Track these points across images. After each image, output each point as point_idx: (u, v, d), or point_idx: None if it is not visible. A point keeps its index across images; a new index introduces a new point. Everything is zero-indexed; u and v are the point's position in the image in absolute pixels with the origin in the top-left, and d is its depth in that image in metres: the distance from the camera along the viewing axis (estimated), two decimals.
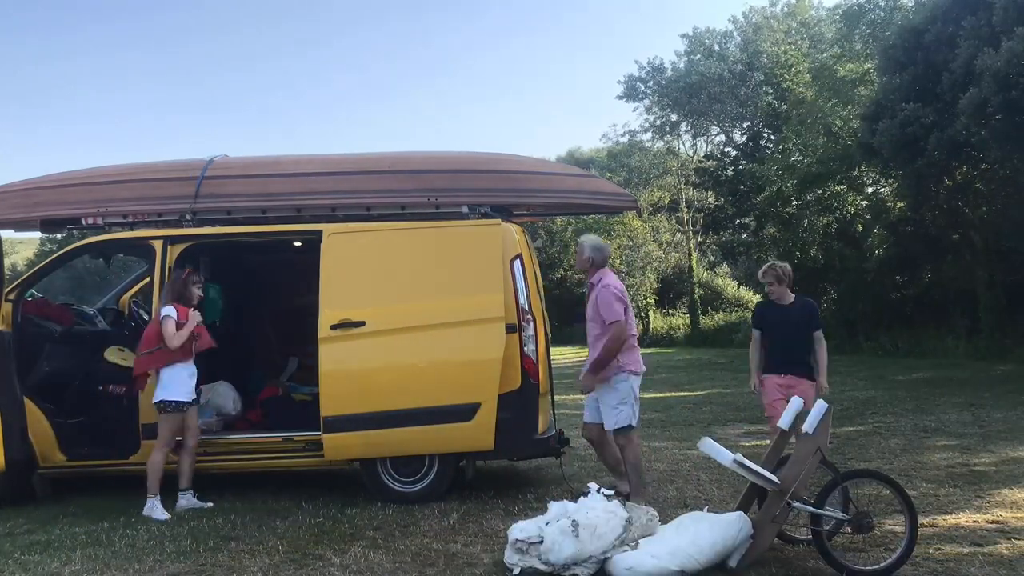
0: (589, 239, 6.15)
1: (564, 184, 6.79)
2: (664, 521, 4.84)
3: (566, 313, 36.58)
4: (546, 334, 6.63)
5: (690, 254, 33.51)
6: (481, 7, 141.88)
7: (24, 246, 38.49)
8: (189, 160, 7.00)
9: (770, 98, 26.15)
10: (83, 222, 6.73)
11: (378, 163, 6.76)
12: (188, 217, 6.52)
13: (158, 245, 6.38)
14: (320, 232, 6.22)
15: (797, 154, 23.19)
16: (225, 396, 6.83)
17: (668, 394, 13.48)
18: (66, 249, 6.97)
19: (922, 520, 5.18)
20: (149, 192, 6.64)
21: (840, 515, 4.50)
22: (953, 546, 4.69)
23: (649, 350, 27.93)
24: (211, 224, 6.49)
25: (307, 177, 6.64)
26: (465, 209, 6.36)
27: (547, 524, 4.48)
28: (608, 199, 6.96)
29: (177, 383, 5.91)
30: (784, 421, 4.82)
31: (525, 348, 5.96)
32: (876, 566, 4.36)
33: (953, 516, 5.33)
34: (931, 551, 4.61)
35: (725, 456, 4.42)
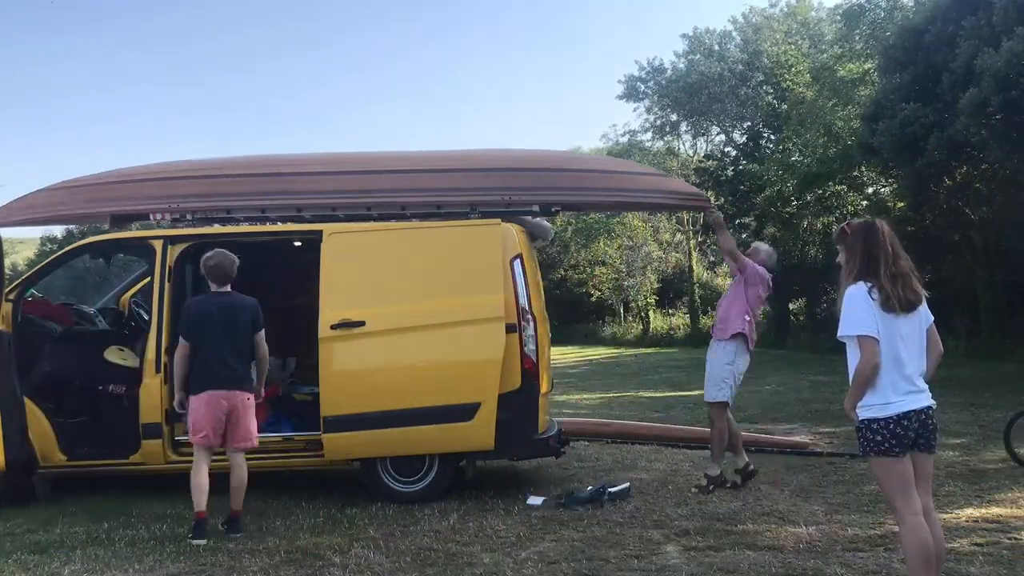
0: (766, 248, 6.60)
1: (639, 183, 6.73)
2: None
3: (566, 313, 36.64)
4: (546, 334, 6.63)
5: (690, 254, 33.50)
6: (481, 7, 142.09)
7: (24, 246, 38.52)
8: (263, 156, 6.99)
9: (770, 98, 26.15)
10: (151, 218, 6.73)
11: (449, 161, 6.73)
12: (261, 214, 6.52)
13: (158, 245, 6.38)
14: (320, 232, 6.23)
15: (797, 154, 23.18)
16: None
17: (668, 394, 13.47)
18: (66, 249, 6.97)
19: None
20: (220, 188, 6.64)
21: None
22: (953, 545, 4.68)
23: (649, 350, 27.96)
24: (283, 222, 6.49)
25: (376, 175, 6.59)
26: (536, 208, 6.33)
27: None
28: (683, 199, 6.91)
29: None
30: None
31: (525, 348, 5.96)
32: None
33: (953, 515, 5.33)
34: None
35: None
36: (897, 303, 3.52)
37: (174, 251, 6.38)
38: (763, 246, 6.69)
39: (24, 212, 7.04)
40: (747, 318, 6.28)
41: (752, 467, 6.36)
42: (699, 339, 28.99)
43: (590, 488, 6.07)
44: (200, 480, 5.23)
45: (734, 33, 29.36)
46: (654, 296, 35.11)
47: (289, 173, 6.63)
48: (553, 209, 6.46)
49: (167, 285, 6.29)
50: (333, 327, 5.87)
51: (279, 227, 6.64)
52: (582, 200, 6.54)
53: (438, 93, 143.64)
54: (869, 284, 3.56)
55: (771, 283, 6.44)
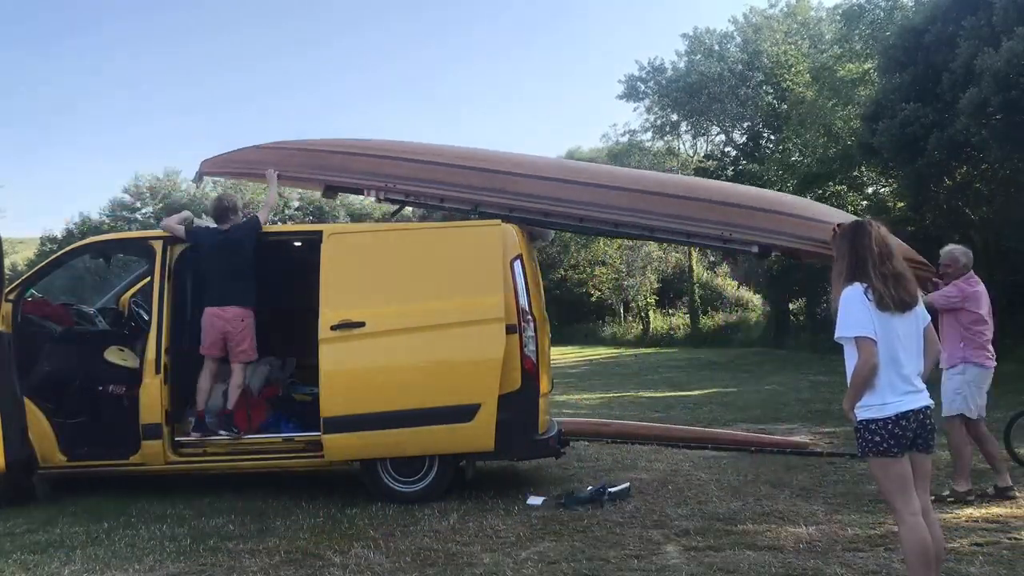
0: (962, 249, 6.17)
1: None
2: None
3: (566, 313, 36.65)
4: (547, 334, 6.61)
5: (690, 254, 33.45)
6: (481, 8, 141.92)
7: (24, 246, 38.51)
8: (486, 151, 6.97)
9: (770, 98, 26.16)
10: (365, 193, 6.82)
11: (671, 186, 6.57)
12: (471, 209, 6.52)
13: (158, 245, 6.39)
14: (320, 232, 6.23)
15: (797, 154, 23.20)
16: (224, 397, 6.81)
17: (668, 394, 13.48)
18: (66, 249, 6.98)
19: None
20: (438, 176, 6.62)
21: None
22: (953, 545, 4.68)
23: (649, 350, 27.97)
24: (495, 219, 6.37)
25: (598, 188, 6.44)
26: (756, 249, 6.17)
27: None
28: (911, 267, 6.58)
29: None
30: None
31: (525, 348, 5.95)
32: None
33: (953, 515, 5.33)
34: None
35: None
36: (891, 303, 3.52)
37: (174, 251, 6.39)
38: (956, 249, 6.19)
39: (237, 165, 7.29)
40: (961, 344, 6.09)
41: (1012, 491, 5.86)
42: (699, 339, 29.06)
43: (590, 488, 6.07)
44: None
45: (734, 33, 29.36)
46: (654, 296, 35.13)
47: (509, 172, 6.58)
48: (773, 254, 6.29)
49: (167, 285, 6.30)
50: (333, 328, 5.87)
51: (279, 227, 6.65)
52: (805, 249, 6.19)
53: (438, 93, 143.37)
54: (864, 285, 3.56)
55: (975, 286, 6.07)
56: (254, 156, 7.16)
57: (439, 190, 6.59)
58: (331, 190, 7.09)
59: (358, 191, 6.95)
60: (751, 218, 6.14)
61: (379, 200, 6.77)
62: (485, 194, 6.50)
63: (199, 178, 7.68)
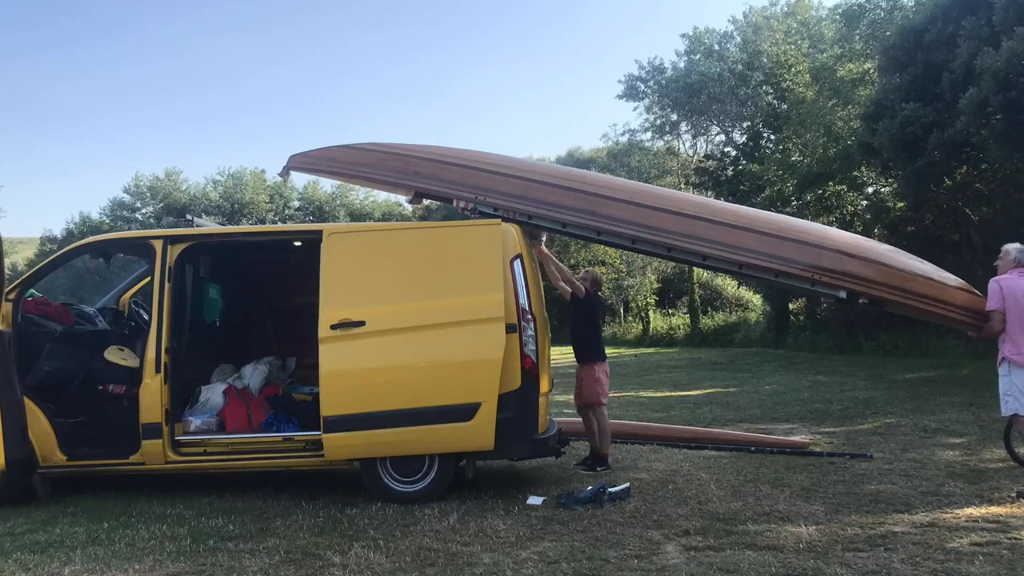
0: (1016, 246, 6.24)
1: (955, 298, 6.44)
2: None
3: (566, 313, 36.67)
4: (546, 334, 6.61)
5: None
6: (482, 9, 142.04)
7: (24, 246, 38.54)
8: (580, 172, 6.94)
9: (770, 98, 26.18)
10: (454, 203, 6.82)
11: (761, 223, 6.57)
12: (561, 228, 6.58)
13: (158, 245, 6.39)
14: (320, 232, 6.24)
15: (797, 154, 23.22)
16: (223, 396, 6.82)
17: (668, 394, 13.48)
18: (66, 249, 6.98)
19: (922, 519, 5.20)
20: (531, 193, 6.64)
21: None
22: (953, 545, 4.68)
23: (649, 350, 27.97)
24: (581, 240, 6.40)
25: (690, 219, 6.44)
26: (843, 295, 6.16)
27: None
28: (972, 317, 6.55)
29: None
30: None
31: (525, 348, 5.96)
32: None
33: (953, 515, 5.33)
34: (931, 550, 4.61)
35: None
36: None
37: (174, 251, 6.39)
38: (1012, 248, 6.27)
39: (326, 163, 7.29)
40: (1002, 341, 6.19)
41: None
42: (699, 339, 29.05)
43: (590, 488, 6.07)
44: None
45: (734, 33, 29.41)
46: (654, 296, 35.15)
47: (601, 195, 6.60)
48: (860, 300, 6.24)
49: (167, 285, 6.30)
50: (333, 327, 5.87)
51: (279, 227, 6.65)
52: (893, 299, 6.19)
53: (439, 95, 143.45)
54: None
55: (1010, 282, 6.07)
56: (344, 155, 7.20)
57: (528, 207, 6.60)
58: (419, 196, 7.13)
59: (447, 200, 6.95)
60: (842, 263, 6.15)
61: (463, 210, 6.78)
62: (574, 215, 6.52)
63: (286, 172, 7.72)
